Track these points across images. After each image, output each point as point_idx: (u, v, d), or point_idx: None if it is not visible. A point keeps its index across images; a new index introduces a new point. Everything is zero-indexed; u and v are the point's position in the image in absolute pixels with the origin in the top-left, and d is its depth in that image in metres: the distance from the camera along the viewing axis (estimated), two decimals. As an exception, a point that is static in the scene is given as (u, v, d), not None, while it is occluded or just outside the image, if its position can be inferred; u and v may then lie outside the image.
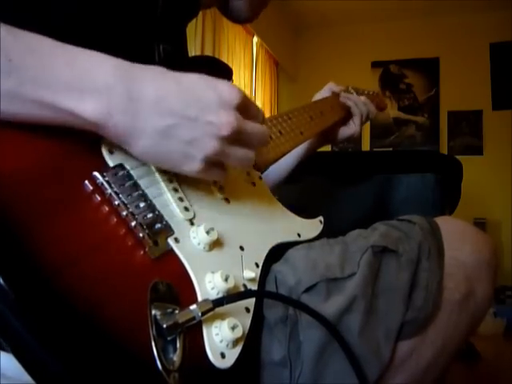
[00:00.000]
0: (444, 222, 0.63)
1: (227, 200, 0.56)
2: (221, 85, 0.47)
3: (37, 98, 0.40)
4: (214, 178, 0.52)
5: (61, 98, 0.40)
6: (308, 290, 0.51)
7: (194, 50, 2.78)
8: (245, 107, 0.48)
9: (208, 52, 2.95)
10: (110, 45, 0.57)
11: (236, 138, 0.47)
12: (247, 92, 3.61)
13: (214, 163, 0.48)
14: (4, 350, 0.39)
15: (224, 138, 0.45)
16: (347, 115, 0.98)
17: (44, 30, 0.42)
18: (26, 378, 0.34)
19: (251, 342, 0.46)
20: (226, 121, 0.45)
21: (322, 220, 0.66)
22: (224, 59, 3.12)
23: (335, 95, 0.98)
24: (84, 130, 0.43)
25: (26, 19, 0.50)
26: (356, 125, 0.96)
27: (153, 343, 0.38)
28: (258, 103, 3.91)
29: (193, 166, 0.46)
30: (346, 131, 0.98)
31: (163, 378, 0.37)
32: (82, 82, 0.41)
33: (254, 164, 0.52)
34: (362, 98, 0.99)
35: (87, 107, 0.41)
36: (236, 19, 0.82)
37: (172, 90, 0.44)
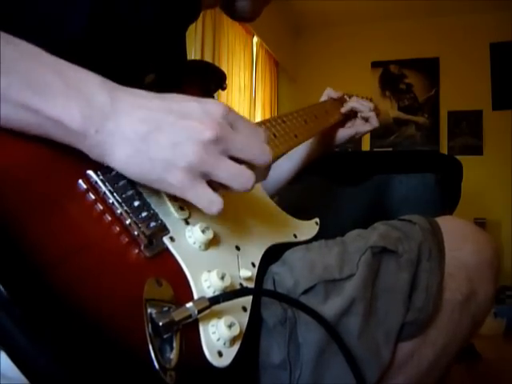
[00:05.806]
0: (445, 222, 0.63)
1: None
2: (206, 100, 0.45)
3: (22, 101, 0.39)
4: (204, 203, 0.43)
5: (45, 103, 0.39)
6: (306, 291, 0.51)
7: (193, 50, 2.77)
8: (233, 120, 0.45)
9: (208, 52, 2.94)
10: (105, 46, 0.56)
11: (223, 147, 0.43)
12: (247, 92, 3.61)
13: (201, 177, 0.43)
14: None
15: (208, 144, 0.42)
16: (343, 119, 0.99)
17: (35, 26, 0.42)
18: (27, 377, 0.34)
19: (249, 343, 0.45)
20: (209, 125, 0.42)
21: (318, 221, 0.66)
22: (224, 59, 3.13)
23: (332, 100, 1.00)
24: (63, 142, 0.42)
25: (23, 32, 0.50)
26: (374, 122, 0.97)
27: (149, 341, 0.37)
28: (258, 103, 3.90)
29: (175, 177, 0.42)
30: (345, 132, 0.99)
31: (160, 377, 0.37)
32: (68, 90, 0.40)
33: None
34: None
35: (72, 114, 0.40)
36: (239, 18, 0.82)
37: (152, 98, 0.44)
